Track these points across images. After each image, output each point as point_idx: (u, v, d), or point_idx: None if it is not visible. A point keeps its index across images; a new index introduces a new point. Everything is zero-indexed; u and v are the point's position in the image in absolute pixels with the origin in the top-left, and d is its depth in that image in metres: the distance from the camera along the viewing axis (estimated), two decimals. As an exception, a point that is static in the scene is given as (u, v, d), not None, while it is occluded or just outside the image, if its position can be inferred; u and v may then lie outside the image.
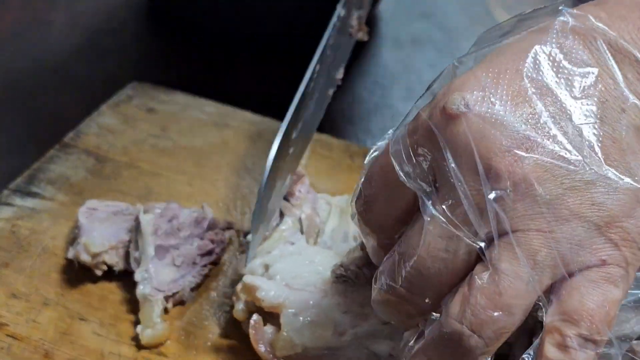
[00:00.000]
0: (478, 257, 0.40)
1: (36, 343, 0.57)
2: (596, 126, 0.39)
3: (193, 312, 0.61)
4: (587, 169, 0.39)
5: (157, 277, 0.60)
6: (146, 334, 0.57)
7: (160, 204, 0.64)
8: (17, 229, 0.66)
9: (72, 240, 0.64)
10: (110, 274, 0.62)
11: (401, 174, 0.41)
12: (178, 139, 0.77)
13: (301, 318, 0.53)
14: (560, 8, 0.42)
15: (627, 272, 0.39)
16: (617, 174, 0.39)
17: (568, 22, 0.41)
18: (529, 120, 0.39)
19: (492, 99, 0.39)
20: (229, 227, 0.66)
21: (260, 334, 0.54)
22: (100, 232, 0.62)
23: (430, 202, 0.40)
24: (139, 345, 0.57)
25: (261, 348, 0.54)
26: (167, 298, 0.60)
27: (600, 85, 0.40)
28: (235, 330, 0.58)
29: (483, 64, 0.41)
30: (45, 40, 0.98)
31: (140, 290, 0.59)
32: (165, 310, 0.60)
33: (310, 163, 0.74)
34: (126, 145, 0.75)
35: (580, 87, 0.40)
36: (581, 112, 0.39)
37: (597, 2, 0.43)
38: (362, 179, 0.45)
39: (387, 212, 0.44)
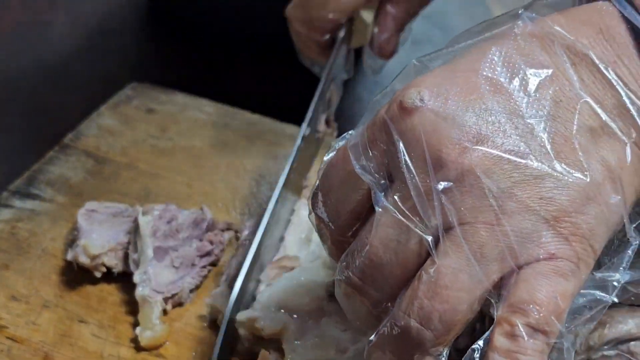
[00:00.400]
0: (428, 252, 0.40)
1: (36, 345, 0.57)
2: (548, 123, 0.40)
3: (192, 313, 0.61)
4: (537, 163, 0.39)
5: (156, 279, 0.60)
6: (145, 336, 0.57)
7: (159, 206, 0.64)
8: (17, 231, 0.66)
9: (71, 242, 0.64)
10: (109, 276, 0.62)
11: (357, 166, 0.42)
12: (177, 140, 0.77)
13: (303, 342, 0.53)
14: (519, 12, 0.43)
15: (578, 267, 0.39)
16: (567, 168, 0.39)
17: (527, 25, 0.42)
18: (481, 116, 0.39)
19: (447, 95, 0.40)
20: (228, 228, 0.66)
21: None
22: (100, 233, 0.62)
23: (382, 194, 0.41)
24: (138, 347, 0.57)
25: None
26: (166, 299, 0.60)
27: (555, 86, 0.40)
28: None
29: (443, 65, 0.42)
30: (45, 40, 0.98)
31: (139, 291, 0.59)
32: (164, 312, 0.60)
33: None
34: (125, 146, 0.75)
35: (534, 86, 0.40)
36: (534, 109, 0.40)
37: (558, 12, 0.43)
38: (321, 169, 0.45)
39: (342, 206, 0.44)
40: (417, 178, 0.40)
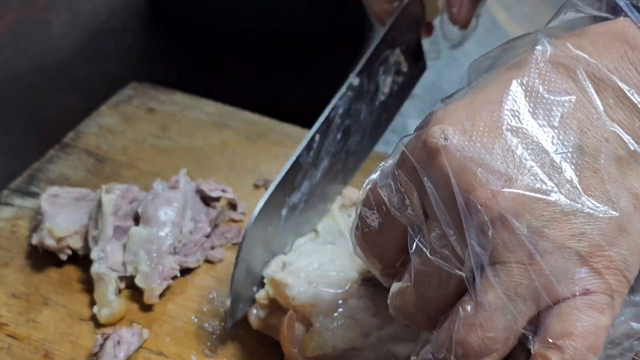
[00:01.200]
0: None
1: (36, 343, 0.57)
2: (575, 156, 0.39)
3: (193, 311, 0.60)
4: (566, 200, 0.38)
5: (113, 257, 0.61)
6: (103, 313, 0.58)
7: (122, 185, 0.65)
8: (17, 229, 0.66)
9: (35, 227, 0.64)
10: (74, 258, 0.63)
11: (391, 207, 0.42)
12: (178, 139, 0.77)
13: (332, 319, 0.53)
14: (539, 37, 0.42)
15: (613, 298, 0.39)
16: (597, 203, 0.39)
17: (547, 50, 0.41)
18: (507, 153, 0.39)
19: (471, 133, 0.39)
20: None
21: (292, 334, 0.53)
22: (64, 217, 0.63)
23: (419, 235, 0.41)
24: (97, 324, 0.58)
25: (293, 349, 0.53)
26: (121, 278, 0.61)
27: (580, 114, 0.40)
28: (237, 329, 0.58)
29: (465, 99, 0.41)
30: (45, 40, 0.98)
31: (95, 268, 0.60)
32: (119, 291, 0.60)
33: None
34: (126, 145, 0.75)
35: (559, 116, 0.40)
36: (560, 142, 0.39)
37: (577, 32, 0.42)
38: (358, 211, 0.45)
39: (385, 244, 0.45)
40: (449, 218, 0.39)
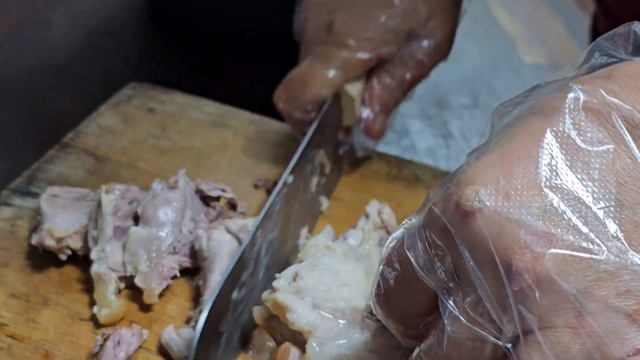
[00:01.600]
0: (504, 355, 0.39)
1: (36, 343, 0.57)
2: (617, 210, 0.38)
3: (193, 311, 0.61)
4: (611, 257, 0.37)
5: (113, 257, 0.61)
6: (103, 314, 0.58)
7: (121, 186, 0.65)
8: (17, 229, 0.66)
9: (35, 227, 0.64)
10: (74, 259, 0.63)
11: (419, 269, 0.41)
12: (178, 139, 0.77)
13: (328, 349, 0.52)
14: (570, 85, 0.40)
15: None
16: None
17: (579, 98, 0.40)
18: (546, 212, 0.38)
19: (507, 192, 0.38)
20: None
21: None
22: (63, 217, 0.63)
23: (450, 299, 0.40)
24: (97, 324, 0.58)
25: None
26: (120, 278, 0.61)
27: (617, 165, 0.38)
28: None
29: (495, 152, 0.40)
30: (45, 40, 0.98)
31: (95, 268, 0.60)
32: (119, 291, 0.60)
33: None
34: (126, 146, 0.75)
35: (597, 168, 0.38)
36: (600, 196, 0.38)
37: (605, 73, 0.41)
38: (380, 271, 0.44)
39: (409, 306, 0.43)
40: (486, 284, 0.38)
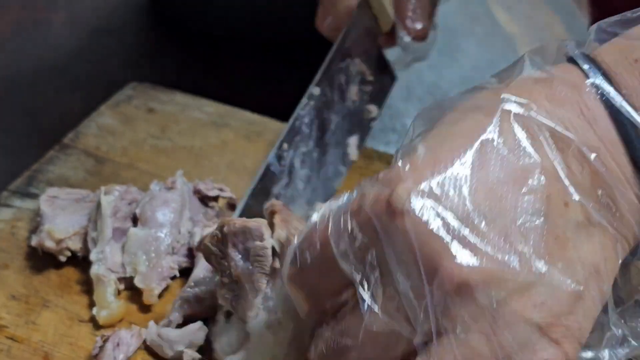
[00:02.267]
0: (415, 352, 0.40)
1: (36, 345, 0.57)
2: (538, 223, 0.39)
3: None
4: (529, 271, 0.38)
5: (112, 258, 0.61)
6: (102, 315, 0.58)
7: (121, 187, 0.65)
8: (17, 231, 0.66)
9: (35, 228, 0.64)
10: (73, 260, 0.63)
11: (338, 256, 0.41)
12: (178, 140, 0.77)
13: None
14: (503, 95, 0.41)
15: None
16: (557, 274, 0.39)
17: (510, 110, 0.41)
18: (473, 221, 0.39)
19: (438, 196, 0.39)
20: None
21: None
22: (63, 218, 0.63)
23: (368, 291, 0.40)
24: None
25: None
26: (120, 280, 0.61)
27: (543, 179, 0.40)
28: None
29: (427, 153, 0.40)
30: (45, 40, 0.98)
31: (94, 270, 0.60)
32: (118, 292, 0.60)
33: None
34: (126, 146, 0.75)
35: (524, 182, 0.39)
36: (525, 209, 0.39)
37: (543, 80, 0.42)
38: (298, 243, 0.44)
39: (321, 286, 0.43)
40: (407, 284, 0.39)
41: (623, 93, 0.41)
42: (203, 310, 0.58)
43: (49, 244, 0.61)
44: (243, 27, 0.95)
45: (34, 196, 0.68)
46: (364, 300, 0.40)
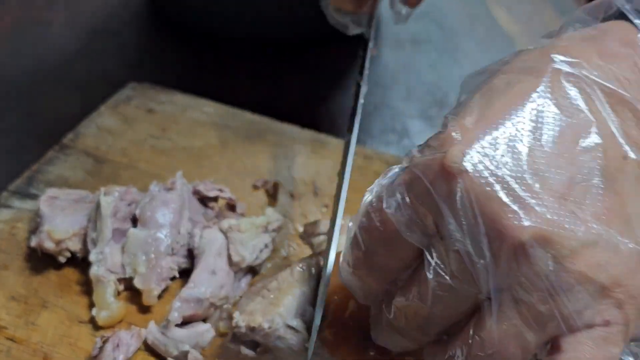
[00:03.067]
0: (478, 311, 0.40)
1: (35, 346, 0.57)
2: (596, 180, 0.39)
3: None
4: (589, 231, 0.38)
5: (112, 259, 0.61)
6: (102, 316, 0.58)
7: (121, 188, 0.65)
8: (16, 231, 0.66)
9: (34, 229, 0.64)
10: (73, 261, 0.63)
11: (401, 229, 0.41)
12: (177, 140, 0.77)
13: None
14: (552, 55, 0.41)
15: (628, 328, 0.39)
16: (618, 235, 0.38)
17: (561, 69, 0.40)
18: (530, 179, 0.38)
19: (491, 156, 0.38)
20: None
21: None
22: (62, 219, 0.63)
23: (434, 257, 0.40)
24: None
25: None
26: (119, 280, 0.61)
27: (597, 137, 0.39)
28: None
29: (478, 114, 0.40)
30: (45, 40, 0.98)
31: (94, 270, 0.60)
32: (117, 293, 0.60)
33: (311, 163, 0.74)
34: (125, 146, 0.75)
35: (579, 137, 0.39)
36: (582, 168, 0.39)
37: (593, 37, 0.42)
38: (357, 227, 0.43)
39: (391, 261, 0.43)
40: (469, 244, 0.38)
41: None
42: (202, 311, 0.58)
43: (49, 245, 0.61)
44: (243, 27, 0.95)
45: (34, 197, 0.68)
46: (430, 265, 0.40)
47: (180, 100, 0.81)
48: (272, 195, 0.71)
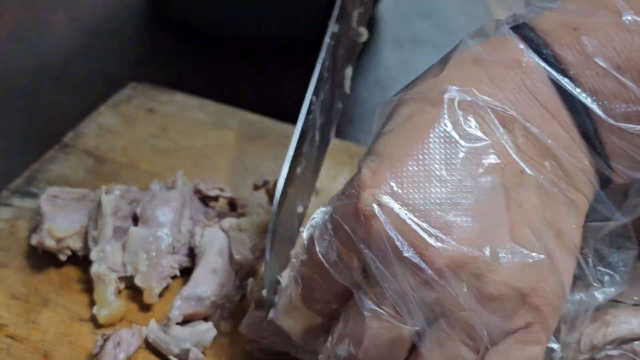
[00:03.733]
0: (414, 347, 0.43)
1: (36, 344, 0.57)
2: (500, 195, 0.41)
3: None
4: (499, 250, 0.40)
5: (113, 257, 0.61)
6: (102, 314, 0.58)
7: (122, 186, 0.65)
8: (17, 230, 0.66)
9: (35, 227, 0.64)
10: (74, 259, 0.63)
11: (330, 269, 0.43)
12: (178, 140, 0.77)
13: None
14: (444, 86, 0.43)
15: (548, 326, 0.42)
16: (526, 250, 0.41)
17: (455, 97, 0.42)
18: (438, 208, 0.40)
19: (401, 194, 0.41)
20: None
21: None
22: (63, 217, 0.63)
23: (365, 295, 0.42)
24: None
25: None
26: (120, 279, 0.61)
27: (496, 157, 0.41)
28: (234, 329, 0.58)
29: (385, 154, 0.42)
30: (45, 40, 0.98)
31: (95, 269, 0.60)
32: (119, 291, 0.60)
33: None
34: (125, 146, 0.75)
35: (480, 161, 0.41)
36: (485, 186, 0.41)
37: (480, 60, 0.44)
38: (297, 269, 0.46)
39: (327, 298, 0.46)
40: (391, 281, 0.40)
41: (563, 61, 0.42)
42: (203, 310, 0.58)
43: (49, 243, 0.61)
44: (243, 27, 0.95)
45: (34, 195, 0.68)
46: (363, 304, 0.42)
47: (180, 100, 0.81)
48: (273, 195, 0.71)
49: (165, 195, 0.64)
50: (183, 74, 0.93)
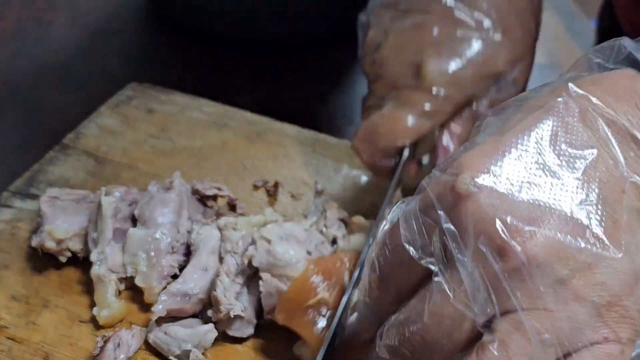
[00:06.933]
0: (477, 336, 0.41)
1: (36, 345, 0.57)
2: (598, 207, 0.40)
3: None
4: (590, 250, 0.40)
5: (112, 259, 0.61)
6: (103, 315, 0.58)
7: (121, 188, 0.65)
8: (17, 231, 0.66)
9: (35, 229, 0.64)
10: (74, 260, 0.63)
11: (415, 254, 0.43)
12: (177, 140, 0.77)
13: None
14: (561, 88, 0.43)
15: (626, 346, 0.41)
16: (617, 254, 0.40)
17: (569, 102, 0.42)
18: (535, 202, 0.40)
19: (499, 180, 0.40)
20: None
21: None
22: (63, 219, 0.63)
23: (441, 278, 0.42)
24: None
25: None
26: (120, 280, 0.61)
27: (601, 166, 0.41)
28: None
29: (488, 143, 0.42)
30: (45, 40, 0.99)
31: (95, 270, 0.60)
32: (119, 292, 0.61)
33: (310, 163, 0.74)
34: (126, 146, 0.75)
35: (582, 168, 0.41)
36: (583, 193, 0.40)
37: (593, 80, 0.44)
38: (375, 256, 0.46)
39: (403, 287, 0.45)
40: (473, 265, 0.40)
41: None
42: (190, 307, 0.58)
43: (50, 245, 0.61)
44: (243, 27, 0.95)
45: (34, 197, 0.69)
46: (437, 284, 0.41)
47: (180, 100, 0.81)
48: (273, 195, 0.71)
49: (163, 196, 0.64)
50: (183, 74, 0.93)
